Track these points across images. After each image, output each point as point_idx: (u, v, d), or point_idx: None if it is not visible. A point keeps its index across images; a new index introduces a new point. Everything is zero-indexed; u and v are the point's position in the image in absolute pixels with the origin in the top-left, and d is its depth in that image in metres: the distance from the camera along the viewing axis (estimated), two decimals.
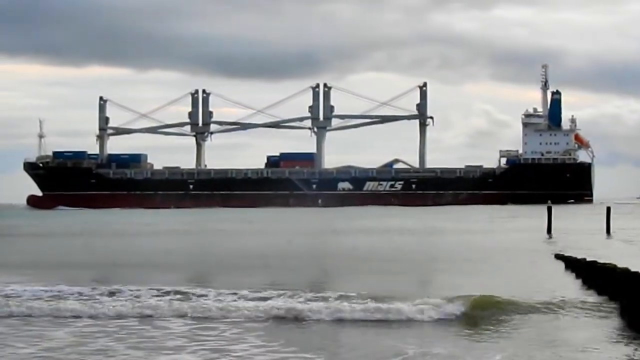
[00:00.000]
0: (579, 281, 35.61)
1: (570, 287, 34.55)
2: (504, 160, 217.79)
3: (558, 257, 45.15)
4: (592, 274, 33.18)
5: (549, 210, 75.00)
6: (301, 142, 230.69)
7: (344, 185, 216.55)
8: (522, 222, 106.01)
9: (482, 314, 27.58)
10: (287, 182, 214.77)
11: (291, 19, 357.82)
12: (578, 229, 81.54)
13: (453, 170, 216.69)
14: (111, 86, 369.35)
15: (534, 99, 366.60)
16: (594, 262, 33.83)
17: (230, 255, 57.36)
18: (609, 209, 74.89)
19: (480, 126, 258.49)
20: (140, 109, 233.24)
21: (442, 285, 36.08)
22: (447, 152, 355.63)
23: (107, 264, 52.02)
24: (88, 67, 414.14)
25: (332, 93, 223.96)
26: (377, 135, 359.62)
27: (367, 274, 42.35)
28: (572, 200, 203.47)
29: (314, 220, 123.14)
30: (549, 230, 73.24)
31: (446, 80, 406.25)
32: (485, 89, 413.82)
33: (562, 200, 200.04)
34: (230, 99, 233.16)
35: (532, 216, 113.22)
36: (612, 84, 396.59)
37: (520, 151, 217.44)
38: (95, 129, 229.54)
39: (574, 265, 38.59)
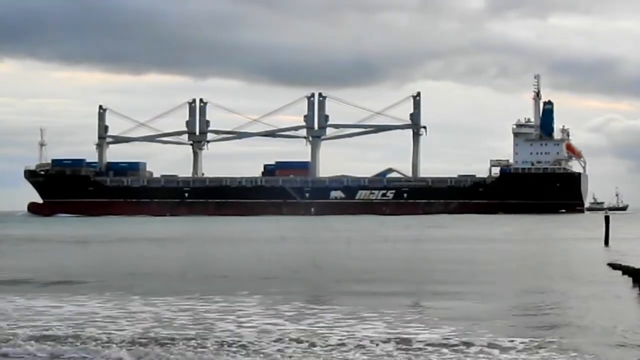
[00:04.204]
0: None
1: None
2: (495, 170, 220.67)
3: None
4: None
5: (607, 219, 70.58)
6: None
7: (337, 194, 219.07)
8: (560, 231, 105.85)
9: None
10: (280, 191, 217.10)
11: (350, 28, 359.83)
12: (630, 237, 79.22)
13: (444, 180, 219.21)
14: (168, 93, 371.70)
15: (590, 107, 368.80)
16: None
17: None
18: None
19: None
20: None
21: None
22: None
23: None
24: (146, 75, 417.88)
25: (327, 102, 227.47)
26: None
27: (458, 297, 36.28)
28: (563, 210, 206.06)
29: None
30: (606, 242, 69.47)
31: (503, 89, 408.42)
32: (542, 98, 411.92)
33: (552, 210, 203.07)
34: (228, 108, 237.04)
35: (555, 225, 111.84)
36: None
37: (511, 161, 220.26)
38: (94, 137, 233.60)
39: None
